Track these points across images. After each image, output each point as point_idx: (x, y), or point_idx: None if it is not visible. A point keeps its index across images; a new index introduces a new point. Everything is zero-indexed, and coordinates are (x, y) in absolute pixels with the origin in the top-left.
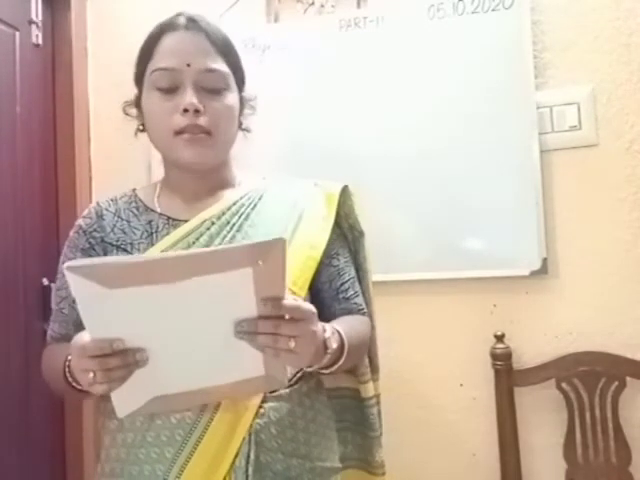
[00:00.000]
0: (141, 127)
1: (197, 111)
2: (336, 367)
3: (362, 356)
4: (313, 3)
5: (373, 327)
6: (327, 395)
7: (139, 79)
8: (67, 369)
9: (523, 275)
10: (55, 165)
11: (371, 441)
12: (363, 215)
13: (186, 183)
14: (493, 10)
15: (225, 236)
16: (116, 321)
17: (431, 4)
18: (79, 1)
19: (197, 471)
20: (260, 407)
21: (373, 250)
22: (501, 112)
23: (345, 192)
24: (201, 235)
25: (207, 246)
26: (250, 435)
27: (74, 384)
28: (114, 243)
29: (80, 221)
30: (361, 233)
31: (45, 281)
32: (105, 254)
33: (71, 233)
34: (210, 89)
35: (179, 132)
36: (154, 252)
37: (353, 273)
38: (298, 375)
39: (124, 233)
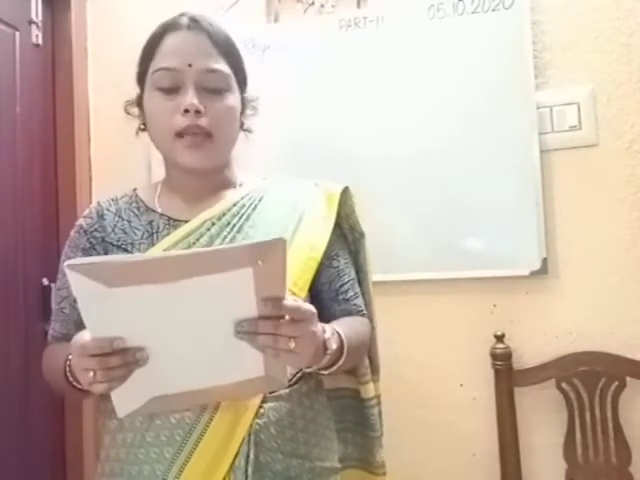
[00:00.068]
0: (142, 126)
1: (198, 112)
2: (335, 368)
3: (361, 357)
4: (313, 3)
5: (373, 328)
6: (328, 396)
7: (141, 79)
8: (68, 368)
9: (523, 275)
10: (55, 165)
11: (372, 441)
12: (363, 215)
13: (187, 184)
14: (493, 10)
15: (226, 237)
16: (116, 320)
17: (431, 4)
18: (79, 1)
19: (196, 471)
20: (260, 407)
21: (373, 250)
22: (501, 112)
23: (346, 193)
24: (202, 236)
25: (207, 247)
26: (250, 435)
27: (75, 383)
28: (115, 243)
29: (81, 221)
30: (362, 234)
31: (45, 281)
32: (106, 254)
33: (72, 233)
34: (211, 90)
35: (180, 133)
36: (155, 252)
37: (353, 274)
38: (298, 375)
39: (125, 233)
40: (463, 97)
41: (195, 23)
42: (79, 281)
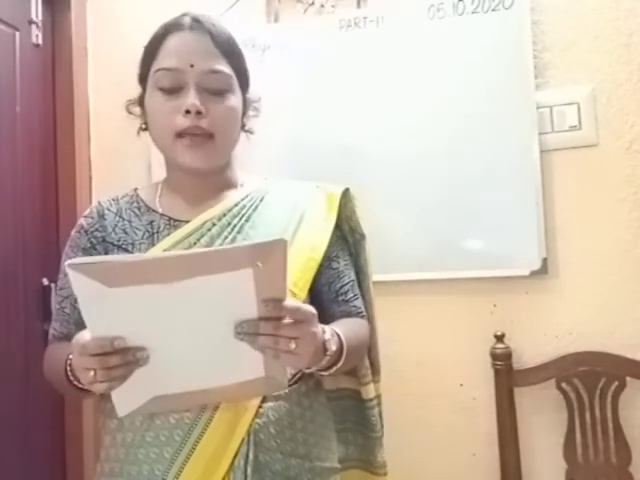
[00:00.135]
0: (144, 126)
1: (199, 113)
2: (334, 369)
3: (360, 359)
4: (313, 3)
5: (374, 329)
6: (328, 396)
7: (143, 78)
8: (68, 367)
9: (523, 275)
10: (55, 165)
11: (373, 442)
12: (363, 216)
13: (188, 184)
14: (493, 10)
15: (226, 237)
16: (117, 320)
17: (431, 4)
18: (79, 1)
19: (195, 471)
20: (259, 407)
21: (373, 250)
22: (501, 112)
23: (346, 195)
24: (202, 236)
25: (208, 247)
26: (249, 435)
27: (75, 382)
28: (115, 243)
29: (82, 220)
30: (362, 236)
31: (45, 281)
32: (106, 254)
33: (73, 232)
34: (213, 90)
35: (180, 133)
36: (155, 252)
37: (353, 276)
38: (297, 376)
39: (125, 233)
40: (463, 97)
41: (198, 23)
42: (80, 281)
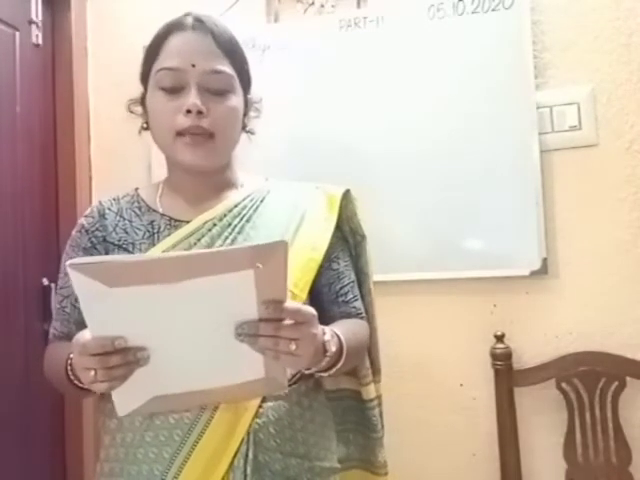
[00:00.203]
0: (145, 125)
1: (200, 112)
2: (334, 370)
3: (360, 359)
4: (313, 3)
5: (374, 329)
6: (329, 397)
7: (145, 78)
8: (69, 367)
9: (523, 275)
10: (55, 165)
11: (373, 442)
12: (363, 216)
13: (189, 184)
14: (493, 10)
15: (227, 238)
16: (118, 319)
17: (431, 4)
18: (79, 1)
19: (195, 471)
20: (259, 407)
21: (373, 250)
22: (501, 112)
23: (347, 196)
24: (202, 236)
25: (208, 247)
26: (248, 434)
27: (76, 382)
28: (116, 243)
29: (82, 220)
30: (363, 237)
31: (45, 281)
32: (107, 253)
33: (73, 232)
34: (214, 91)
35: (181, 132)
36: (155, 252)
37: (353, 277)
38: (297, 375)
39: (126, 233)
40: (463, 97)
41: (200, 23)
42: (81, 280)
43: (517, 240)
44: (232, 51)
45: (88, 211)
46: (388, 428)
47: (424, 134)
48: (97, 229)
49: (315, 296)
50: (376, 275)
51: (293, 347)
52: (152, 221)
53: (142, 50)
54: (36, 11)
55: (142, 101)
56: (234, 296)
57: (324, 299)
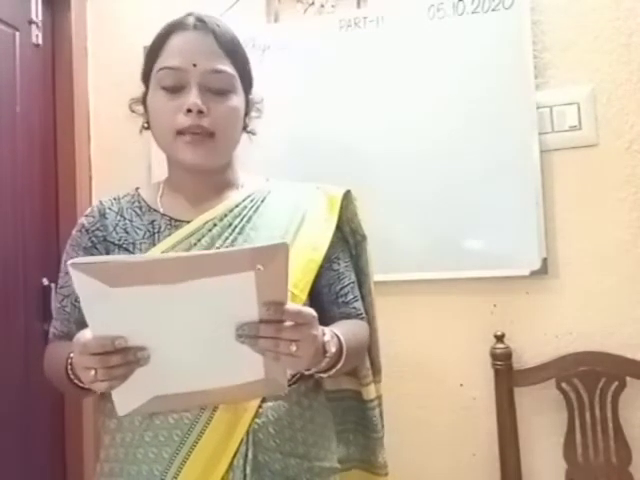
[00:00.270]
0: (146, 124)
1: (200, 112)
2: (334, 371)
3: (360, 360)
4: (313, 3)
5: (375, 330)
6: (329, 397)
7: (146, 77)
8: (69, 366)
9: (523, 275)
10: (55, 165)
11: (374, 442)
12: (363, 216)
13: (189, 184)
14: (493, 10)
15: (227, 238)
16: (118, 319)
17: (431, 4)
18: (79, 1)
19: (195, 471)
20: (259, 407)
21: (373, 250)
22: (501, 112)
23: (348, 196)
24: (203, 236)
25: (209, 248)
26: (248, 434)
27: (76, 381)
28: (116, 242)
29: (83, 220)
30: (363, 237)
31: (45, 281)
32: (107, 253)
33: (74, 231)
34: (215, 90)
35: (181, 131)
36: (156, 252)
37: (353, 277)
38: (297, 376)
39: (126, 232)
40: (463, 97)
41: (202, 23)
42: (82, 280)
43: (517, 240)
44: (234, 51)
45: (88, 210)
46: (388, 428)
47: (424, 134)
48: (97, 229)
49: (315, 297)
50: (376, 275)
51: (293, 348)
52: (152, 221)
53: (142, 50)
54: (36, 11)
55: (143, 100)
56: (235, 297)
57: (324, 300)
